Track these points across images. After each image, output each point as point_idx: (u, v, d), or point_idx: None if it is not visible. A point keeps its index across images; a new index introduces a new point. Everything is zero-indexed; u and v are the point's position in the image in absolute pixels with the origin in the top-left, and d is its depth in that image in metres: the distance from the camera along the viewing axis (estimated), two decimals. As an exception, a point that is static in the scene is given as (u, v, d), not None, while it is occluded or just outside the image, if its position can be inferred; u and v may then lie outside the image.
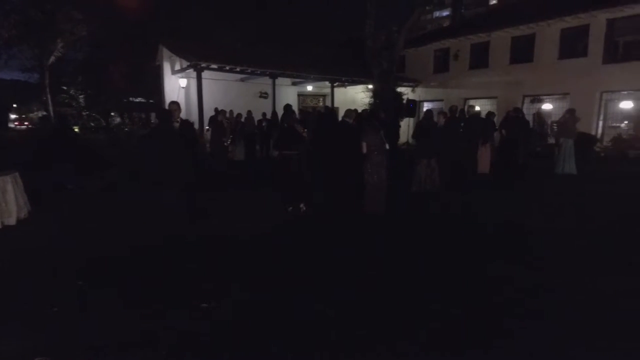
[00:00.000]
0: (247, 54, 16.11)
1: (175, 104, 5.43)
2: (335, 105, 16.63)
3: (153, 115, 26.76)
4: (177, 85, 15.15)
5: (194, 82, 13.72)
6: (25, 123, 38.82)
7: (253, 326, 3.01)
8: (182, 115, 6.46)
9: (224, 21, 21.98)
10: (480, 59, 17.73)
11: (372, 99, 15.38)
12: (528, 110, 15.10)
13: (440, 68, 19.43)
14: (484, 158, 9.13)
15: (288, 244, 4.94)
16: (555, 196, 7.77)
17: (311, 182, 6.80)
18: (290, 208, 6.35)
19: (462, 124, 9.10)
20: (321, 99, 19.12)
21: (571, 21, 14.64)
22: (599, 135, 14.26)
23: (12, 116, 40.37)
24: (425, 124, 7.92)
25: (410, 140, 13.40)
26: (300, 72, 15.46)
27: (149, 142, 5.40)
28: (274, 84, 14.99)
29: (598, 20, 13.99)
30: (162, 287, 3.63)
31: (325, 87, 17.57)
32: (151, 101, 28.09)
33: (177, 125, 5.29)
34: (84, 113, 27.62)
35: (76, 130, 18.44)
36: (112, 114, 30.27)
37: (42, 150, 8.73)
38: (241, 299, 3.43)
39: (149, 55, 18.45)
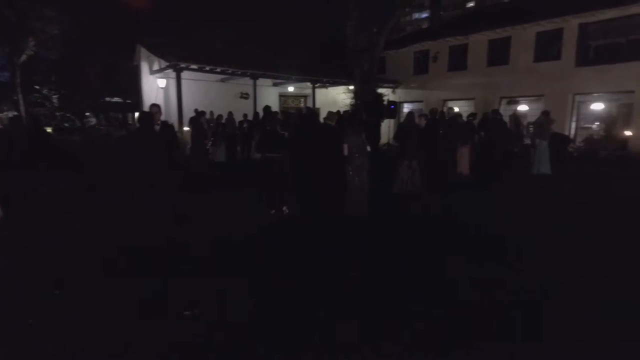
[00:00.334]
0: (228, 54, 15.94)
1: (156, 106, 5.35)
2: (317, 106, 16.66)
3: (130, 115, 26.21)
4: (155, 85, 14.87)
5: (173, 83, 13.50)
6: (-5, 123, 37.33)
7: (237, 327, 3.00)
8: (161, 116, 6.35)
9: (204, 21, 21.72)
10: (458, 61, 18.06)
11: (353, 100, 15.47)
12: (505, 112, 15.46)
13: (420, 70, 19.70)
14: (464, 159, 9.29)
15: (272, 246, 4.91)
16: (531, 197, 7.99)
17: (294, 184, 6.78)
18: (273, 210, 6.32)
19: (442, 126, 9.24)
20: (302, 100, 19.09)
21: (546, 25, 15.07)
22: (572, 136, 14.72)
23: (-19, 116, 38.79)
24: (406, 126, 8.00)
25: (392, 142, 13.55)
26: (281, 72, 15.40)
27: (130, 144, 5.29)
28: (254, 85, 14.88)
29: (571, 25, 14.46)
30: (144, 292, 3.55)
31: (306, 87, 17.56)
32: (128, 101, 27.48)
33: (157, 128, 5.20)
34: (57, 113, 26.79)
35: (49, 131, 17.88)
36: (87, 114, 29.45)
37: (13, 152, 8.40)
38: (226, 302, 3.41)
39: (126, 54, 18.07)
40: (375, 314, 3.24)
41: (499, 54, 16.63)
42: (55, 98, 25.75)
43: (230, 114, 13.08)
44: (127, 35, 19.22)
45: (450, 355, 2.72)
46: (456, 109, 15.58)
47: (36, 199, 7.23)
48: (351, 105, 15.02)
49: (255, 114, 13.27)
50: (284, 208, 6.38)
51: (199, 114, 11.03)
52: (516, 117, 12.88)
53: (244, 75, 14.75)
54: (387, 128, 16.18)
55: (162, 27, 21.30)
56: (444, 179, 8.45)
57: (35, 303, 3.39)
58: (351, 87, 16.08)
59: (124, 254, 4.43)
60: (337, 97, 17.18)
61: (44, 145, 8.07)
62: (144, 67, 16.43)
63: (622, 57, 13.45)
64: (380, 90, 16.72)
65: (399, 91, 19.98)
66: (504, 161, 10.01)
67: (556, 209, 6.89)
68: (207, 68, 13.72)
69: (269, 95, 17.19)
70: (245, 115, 13.32)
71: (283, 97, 18.63)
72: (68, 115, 27.35)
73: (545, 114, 10.41)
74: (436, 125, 9.03)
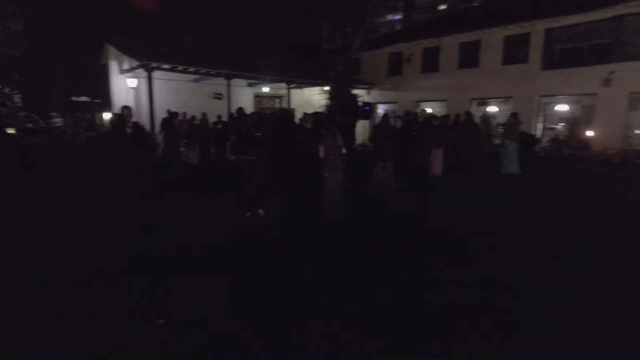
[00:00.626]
0: (201, 54, 15.67)
1: (127, 108, 5.21)
2: (292, 106, 16.59)
3: (99, 116, 25.35)
4: (125, 85, 14.44)
5: (144, 82, 13.14)
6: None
7: (208, 332, 2.95)
8: (133, 118, 6.18)
9: (177, 20, 21.30)
10: (431, 63, 18.41)
11: (329, 101, 15.51)
12: (475, 113, 15.88)
13: (394, 71, 19.96)
14: (437, 161, 9.47)
15: (248, 249, 4.87)
16: (500, 197, 8.25)
17: (270, 186, 6.74)
18: (249, 213, 6.27)
19: (417, 128, 9.40)
20: (278, 101, 19.00)
21: (513, 29, 15.57)
22: (538, 136, 15.27)
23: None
24: (382, 128, 8.09)
25: (367, 143, 13.67)
26: (256, 73, 15.26)
27: (102, 148, 5.15)
28: (228, 85, 14.69)
29: (537, 29, 14.99)
30: (117, 302, 3.45)
31: (281, 88, 17.47)
32: (97, 101, 26.59)
33: (129, 130, 5.07)
34: (20, 113, 25.64)
35: (11, 132, 17.07)
36: (53, 114, 28.31)
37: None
38: (201, 302, 3.35)
39: (94, 52, 17.47)
40: (351, 314, 3.26)
41: (469, 57, 17.06)
42: (17, 97, 24.64)
43: (203, 114, 12.86)
44: (96, 33, 18.61)
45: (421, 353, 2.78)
46: (429, 110, 15.91)
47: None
48: (326, 106, 15.05)
49: (230, 114, 13.11)
50: (260, 211, 6.33)
51: (172, 115, 10.79)
52: (486, 118, 13.28)
53: (217, 75, 14.52)
54: (361, 128, 16.31)
55: (132, 25, 20.73)
56: (418, 179, 8.60)
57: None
58: (326, 88, 16.11)
59: (95, 263, 4.29)
60: (312, 97, 17.18)
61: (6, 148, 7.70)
62: (113, 66, 15.92)
63: (584, 61, 14.05)
64: (355, 91, 16.82)
65: (373, 92, 20.18)
66: (476, 162, 10.28)
67: (523, 208, 7.15)
68: (180, 68, 13.43)
69: (244, 95, 17.00)
70: (219, 116, 13.13)
71: (258, 97, 18.47)
72: (32, 115, 26.22)
73: (513, 115, 10.76)
74: (411, 127, 9.17)
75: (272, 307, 3.40)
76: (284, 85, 16.95)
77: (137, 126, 7.26)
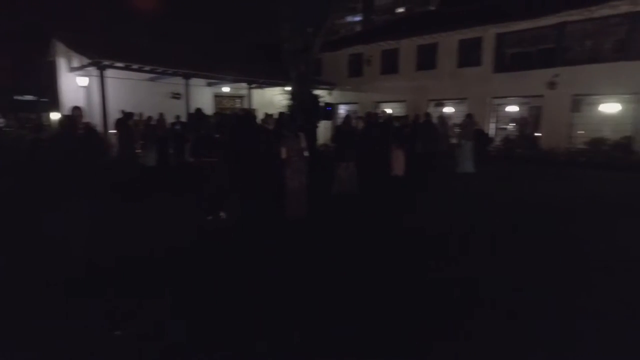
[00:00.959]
0: (158, 52, 15.13)
1: (78, 109, 4.92)
2: (253, 106, 16.38)
3: (45, 116, 23.84)
4: (75, 84, 13.69)
5: (96, 81, 12.51)
6: None
7: (167, 344, 2.86)
8: (84, 119, 5.86)
9: (132, 16, 20.42)
10: (390, 64, 18.81)
11: (290, 101, 15.45)
12: (433, 113, 16.39)
13: (354, 72, 20.22)
14: (398, 161, 9.66)
15: (209, 254, 4.76)
16: (457, 194, 8.58)
17: (231, 188, 6.62)
18: (210, 217, 6.13)
19: (378, 129, 9.55)
20: (238, 101, 18.71)
21: (467, 33, 16.22)
22: (491, 136, 16.00)
23: None
24: (344, 128, 8.17)
25: (329, 143, 13.76)
26: (215, 72, 14.95)
27: (50, 151, 4.84)
28: (187, 85, 14.30)
29: (489, 34, 15.70)
30: (68, 316, 3.26)
31: (242, 88, 17.22)
32: (44, 100, 25.00)
33: (81, 132, 4.81)
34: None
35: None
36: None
37: None
38: (160, 311, 3.23)
39: (41, 49, 16.40)
40: (312, 317, 3.27)
41: (427, 59, 17.59)
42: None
43: (160, 115, 12.43)
44: (42, 28, 17.48)
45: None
46: (389, 111, 16.25)
47: None
48: (288, 106, 14.99)
49: (189, 115, 12.76)
50: (222, 213, 6.21)
51: (127, 115, 10.37)
52: (443, 118, 13.74)
53: (175, 74, 14.09)
54: (323, 129, 16.40)
55: (84, 21, 19.68)
56: (380, 180, 8.76)
57: None
58: (288, 88, 16.05)
59: (46, 271, 4.04)
60: (274, 98, 17.05)
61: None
62: (62, 64, 15.05)
63: (532, 65, 14.88)
64: (316, 92, 16.87)
65: (335, 93, 20.34)
66: (434, 161, 10.60)
67: (480, 206, 7.48)
68: (135, 66, 12.91)
69: (203, 95, 16.62)
70: (178, 117, 12.74)
71: (218, 97, 18.10)
72: (-31, 114, 24.28)
73: (469, 116, 11.21)
74: (372, 128, 9.32)
75: (234, 314, 3.34)
76: (244, 85, 16.73)
77: (89, 128, 6.92)
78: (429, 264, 4.49)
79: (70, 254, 4.19)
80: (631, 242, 5.27)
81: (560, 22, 13.99)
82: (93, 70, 12.47)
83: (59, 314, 3.29)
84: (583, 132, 14.02)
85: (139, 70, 13.18)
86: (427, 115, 11.24)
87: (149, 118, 12.01)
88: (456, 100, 17.07)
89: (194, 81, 14.75)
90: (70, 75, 14.23)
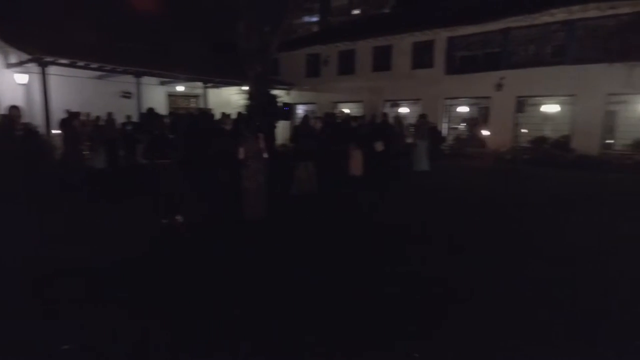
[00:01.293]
0: (106, 48, 14.39)
1: (16, 108, 4.59)
2: (209, 106, 16.00)
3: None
4: (13, 81, 12.71)
5: (37, 79, 11.70)
6: None
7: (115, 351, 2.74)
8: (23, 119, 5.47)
9: (78, 9, 19.20)
10: (347, 65, 19.07)
11: (248, 101, 15.24)
12: (389, 113, 16.81)
13: (312, 72, 20.29)
14: (357, 161, 9.79)
15: (165, 258, 4.60)
16: (414, 191, 8.87)
17: (187, 191, 6.44)
18: (165, 220, 5.92)
19: (336, 129, 9.64)
20: (193, 100, 18.20)
21: (420, 36, 16.76)
22: (444, 135, 16.65)
23: None
24: (302, 129, 8.18)
25: (288, 143, 13.71)
26: (168, 71, 14.44)
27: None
28: (138, 83, 13.72)
29: (441, 37, 16.32)
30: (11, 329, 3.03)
31: (197, 87, 16.77)
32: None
33: (19, 133, 4.48)
34: None
35: None
36: None
37: None
38: (111, 323, 3.08)
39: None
40: (270, 320, 3.25)
41: (382, 61, 18.00)
42: None
43: (109, 115, 11.83)
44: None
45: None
46: (347, 111, 16.46)
47: None
48: (245, 106, 14.79)
49: (141, 115, 12.26)
50: (178, 217, 6.02)
51: (72, 115, 9.79)
52: (399, 119, 14.11)
53: (125, 72, 13.47)
54: (281, 129, 16.32)
55: (22, 12, 18.24)
56: (339, 179, 8.85)
57: None
58: (245, 88, 15.83)
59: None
60: (231, 97, 16.75)
61: None
62: (-3, 59, 13.94)
63: (480, 67, 15.63)
64: (274, 92, 16.77)
65: (293, 93, 20.31)
66: (392, 161, 10.86)
67: (438, 201, 7.77)
68: (81, 63, 12.21)
69: (156, 94, 16.00)
70: (129, 117, 12.19)
71: (172, 97, 17.50)
72: None
73: (422, 116, 11.60)
74: (330, 128, 9.39)
75: (188, 324, 3.24)
76: (200, 84, 16.31)
77: (28, 128, 6.46)
78: (386, 259, 4.60)
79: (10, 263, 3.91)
80: (571, 233, 5.69)
81: (505, 27, 14.79)
82: (33, 66, 11.65)
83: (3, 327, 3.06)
84: (526, 131, 14.94)
85: (85, 67, 12.48)
86: (384, 115, 11.50)
87: (97, 118, 11.41)
88: (411, 100, 17.60)
89: (145, 80, 14.19)
90: (7, 72, 13.19)
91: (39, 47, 11.38)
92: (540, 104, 14.78)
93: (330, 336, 3.01)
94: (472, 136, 16.27)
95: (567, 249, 5.01)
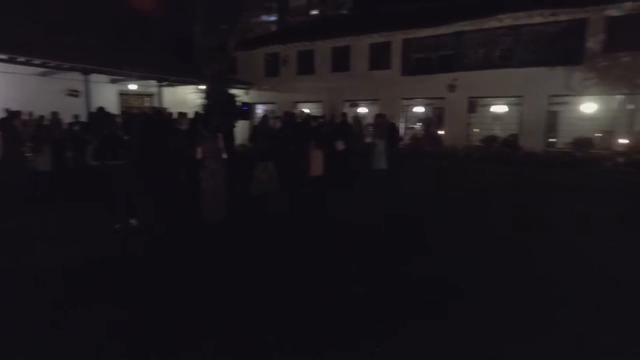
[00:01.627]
0: (51, 43, 13.53)
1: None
2: (165, 105, 15.47)
3: None
4: (-57, 77, 11.67)
5: (-29, 75, 10.82)
6: None
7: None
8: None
9: (20, 1, 17.91)
10: (306, 65, 19.10)
11: (205, 100, 14.89)
12: (349, 113, 17.03)
13: (271, 72, 20.16)
14: (317, 161, 9.84)
15: (117, 267, 4.40)
16: (374, 189, 9.06)
17: (141, 193, 6.20)
18: (118, 225, 5.67)
19: (296, 128, 9.62)
20: (147, 99, 17.50)
21: (377, 38, 17.10)
22: (401, 135, 17.09)
23: None
24: (261, 128, 8.10)
25: (247, 143, 13.53)
26: (120, 68, 13.80)
27: None
28: (86, 81, 13.00)
29: (397, 39, 16.74)
30: None
31: (151, 86, 16.15)
32: None
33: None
34: None
35: None
36: None
37: None
38: (60, 335, 2.91)
39: None
40: (225, 324, 3.21)
41: (341, 61, 18.19)
42: None
43: (54, 114, 11.12)
44: None
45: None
46: (307, 111, 16.50)
47: None
48: (203, 105, 14.44)
49: (90, 114, 11.64)
50: (132, 220, 5.78)
51: (12, 114, 9.12)
52: (358, 118, 14.33)
53: (72, 69, 12.73)
54: (241, 129, 16.09)
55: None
56: (299, 179, 8.85)
57: None
58: (202, 87, 15.45)
59: None
60: (187, 96, 16.27)
61: None
62: None
63: (434, 69, 16.21)
64: (233, 91, 16.49)
65: (252, 92, 20.07)
66: (352, 160, 11.00)
67: (391, 198, 7.97)
68: (22, 59, 11.40)
69: (106, 93, 15.21)
70: (76, 116, 11.52)
71: (124, 95, 16.71)
72: None
73: (380, 116, 11.84)
74: (290, 128, 9.37)
75: (144, 327, 3.14)
76: (154, 82, 15.73)
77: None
78: (349, 258, 4.66)
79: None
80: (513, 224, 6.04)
81: (457, 31, 15.42)
82: (-33, 62, 10.76)
83: None
84: (478, 130, 15.66)
85: (26, 63, 11.66)
86: (344, 115, 11.65)
87: (41, 117, 10.68)
88: (369, 100, 17.93)
89: (94, 77, 13.47)
90: (-64, 67, 12.09)
91: (-28, 41, 10.52)
92: (490, 105, 15.56)
93: (293, 336, 3.01)
94: (428, 135, 16.82)
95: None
